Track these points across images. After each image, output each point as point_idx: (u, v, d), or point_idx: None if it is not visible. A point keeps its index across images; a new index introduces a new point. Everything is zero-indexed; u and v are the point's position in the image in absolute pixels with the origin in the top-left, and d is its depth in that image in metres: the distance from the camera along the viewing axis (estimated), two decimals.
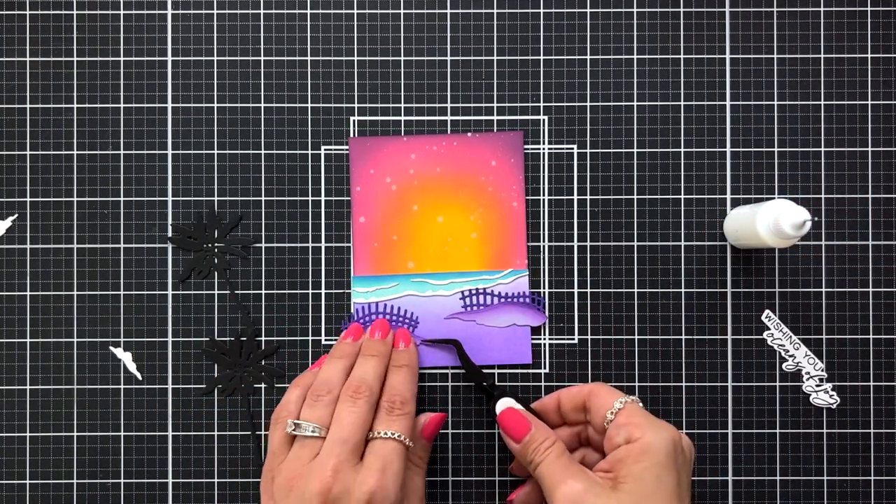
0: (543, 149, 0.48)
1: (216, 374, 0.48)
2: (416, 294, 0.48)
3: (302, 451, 0.41)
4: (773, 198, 0.48)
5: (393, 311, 0.48)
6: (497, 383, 0.48)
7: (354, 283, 0.48)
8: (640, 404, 0.42)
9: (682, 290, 0.48)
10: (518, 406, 0.44)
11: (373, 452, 0.41)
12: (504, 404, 0.44)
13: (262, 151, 0.48)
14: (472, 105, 0.48)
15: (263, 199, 0.48)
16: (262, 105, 0.48)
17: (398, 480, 0.40)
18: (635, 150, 0.48)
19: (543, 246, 0.48)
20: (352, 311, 0.48)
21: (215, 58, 0.49)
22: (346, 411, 0.41)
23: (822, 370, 0.48)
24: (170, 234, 0.48)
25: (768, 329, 0.48)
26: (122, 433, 0.48)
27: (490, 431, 0.48)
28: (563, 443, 0.42)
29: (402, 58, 0.49)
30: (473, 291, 0.48)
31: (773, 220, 0.41)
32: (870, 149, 0.48)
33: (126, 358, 0.48)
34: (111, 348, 0.48)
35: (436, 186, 0.48)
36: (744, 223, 0.44)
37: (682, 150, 0.49)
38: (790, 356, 0.48)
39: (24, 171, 0.48)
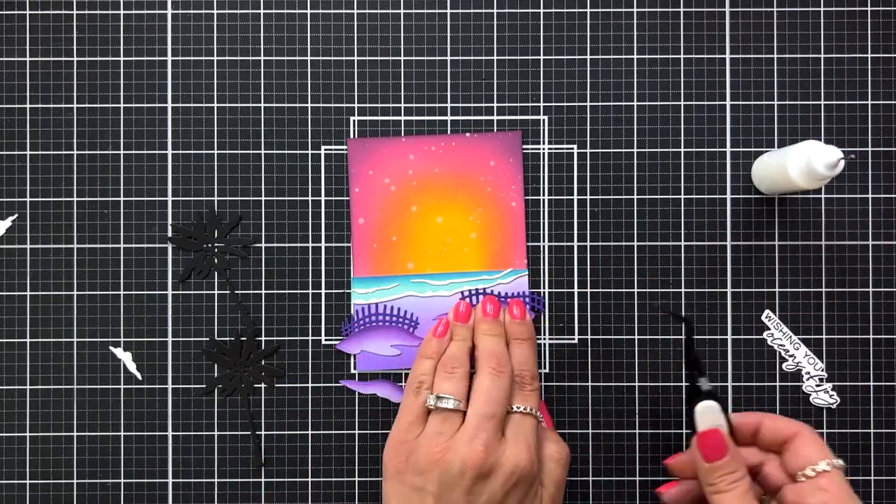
0: (543, 149, 0.48)
1: (216, 374, 0.48)
2: (415, 295, 0.48)
3: (444, 426, 0.41)
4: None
5: (392, 311, 0.48)
6: (707, 382, 0.42)
7: (354, 285, 0.48)
8: (844, 472, 0.40)
9: (682, 290, 0.48)
10: (721, 421, 0.40)
11: (515, 428, 0.41)
12: (706, 413, 0.41)
13: (262, 151, 0.48)
14: (471, 105, 0.48)
15: (263, 199, 0.48)
16: (262, 105, 0.48)
17: (537, 456, 0.41)
18: (635, 150, 0.48)
19: (543, 246, 0.48)
20: (352, 311, 0.48)
21: (215, 58, 0.49)
22: (493, 386, 0.41)
23: (822, 370, 0.48)
24: (170, 234, 0.48)
25: (768, 329, 0.48)
26: (122, 433, 0.48)
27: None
28: (748, 478, 0.39)
29: (402, 58, 0.49)
30: (473, 292, 0.48)
31: (806, 161, 0.41)
32: (870, 149, 0.48)
33: (126, 358, 0.48)
34: (111, 348, 0.48)
35: (435, 187, 0.48)
36: (775, 167, 0.44)
37: (682, 150, 0.48)
38: (790, 356, 0.48)
39: (24, 171, 0.48)
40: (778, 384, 0.48)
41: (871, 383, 0.48)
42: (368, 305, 0.48)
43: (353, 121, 0.48)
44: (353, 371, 0.48)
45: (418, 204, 0.48)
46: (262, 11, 0.49)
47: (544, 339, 0.48)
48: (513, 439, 0.40)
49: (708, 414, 0.40)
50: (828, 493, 0.38)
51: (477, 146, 0.48)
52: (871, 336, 0.48)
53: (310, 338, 0.48)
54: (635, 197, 0.48)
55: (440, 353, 0.44)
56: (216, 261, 0.48)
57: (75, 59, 0.49)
